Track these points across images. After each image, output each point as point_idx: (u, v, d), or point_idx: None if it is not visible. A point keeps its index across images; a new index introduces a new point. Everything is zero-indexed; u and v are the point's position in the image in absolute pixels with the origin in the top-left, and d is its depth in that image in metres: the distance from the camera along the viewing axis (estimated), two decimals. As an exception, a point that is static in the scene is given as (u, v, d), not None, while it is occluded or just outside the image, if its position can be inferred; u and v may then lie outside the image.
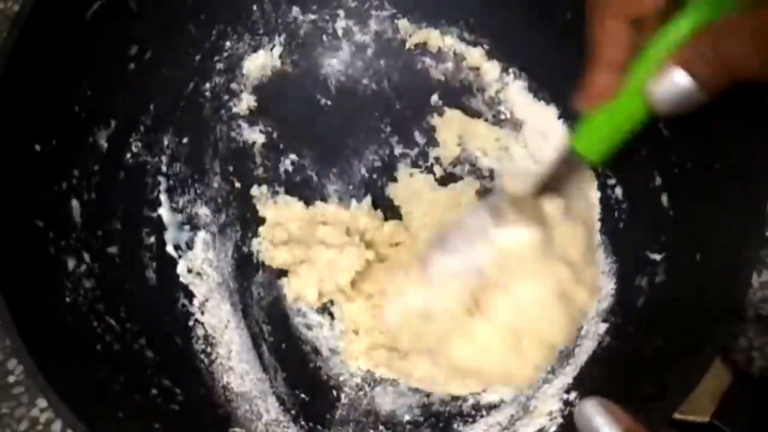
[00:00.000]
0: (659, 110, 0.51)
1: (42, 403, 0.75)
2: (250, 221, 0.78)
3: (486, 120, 0.80)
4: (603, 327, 0.68)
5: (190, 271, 0.74)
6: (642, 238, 0.69)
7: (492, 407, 0.70)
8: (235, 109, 0.79)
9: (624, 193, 0.72)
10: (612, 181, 0.73)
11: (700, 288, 0.61)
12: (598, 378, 0.66)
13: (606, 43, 0.53)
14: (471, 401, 0.70)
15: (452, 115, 0.80)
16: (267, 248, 0.76)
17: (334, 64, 0.81)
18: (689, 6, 0.50)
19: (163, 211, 0.74)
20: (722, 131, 0.61)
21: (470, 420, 0.69)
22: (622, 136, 0.57)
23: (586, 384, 0.66)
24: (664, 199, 0.68)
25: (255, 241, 0.77)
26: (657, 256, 0.67)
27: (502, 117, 0.80)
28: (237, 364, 0.71)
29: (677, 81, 0.49)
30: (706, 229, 0.63)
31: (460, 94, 0.81)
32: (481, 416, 0.69)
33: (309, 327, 0.74)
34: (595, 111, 0.56)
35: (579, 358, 0.68)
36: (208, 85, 0.77)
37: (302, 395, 0.71)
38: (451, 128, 0.80)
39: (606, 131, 0.57)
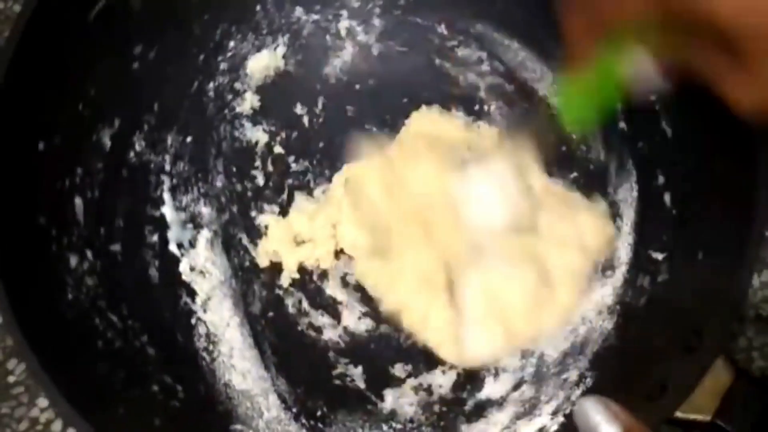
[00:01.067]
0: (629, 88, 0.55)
1: (42, 403, 0.75)
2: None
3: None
4: (605, 327, 0.68)
5: (192, 269, 0.74)
6: (644, 237, 0.69)
7: (494, 404, 0.69)
8: (238, 109, 0.80)
9: (628, 193, 0.72)
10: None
11: (702, 287, 0.61)
12: (600, 377, 0.66)
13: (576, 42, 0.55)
14: (473, 401, 0.70)
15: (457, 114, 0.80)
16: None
17: (337, 65, 0.82)
18: None
19: (166, 210, 0.75)
20: (725, 129, 0.61)
21: (473, 418, 0.69)
22: (596, 111, 0.60)
23: (588, 383, 0.66)
24: (667, 198, 0.68)
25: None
26: (659, 256, 0.67)
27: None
28: (238, 362, 0.71)
29: (647, 68, 0.53)
30: (708, 228, 0.63)
31: (466, 95, 0.81)
32: (483, 416, 0.69)
33: (311, 326, 0.74)
34: (572, 87, 0.59)
35: (582, 357, 0.68)
36: (211, 84, 0.78)
37: (303, 393, 0.71)
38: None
39: (582, 105, 0.61)
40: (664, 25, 0.49)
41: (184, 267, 0.74)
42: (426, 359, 0.72)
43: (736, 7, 0.44)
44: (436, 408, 0.70)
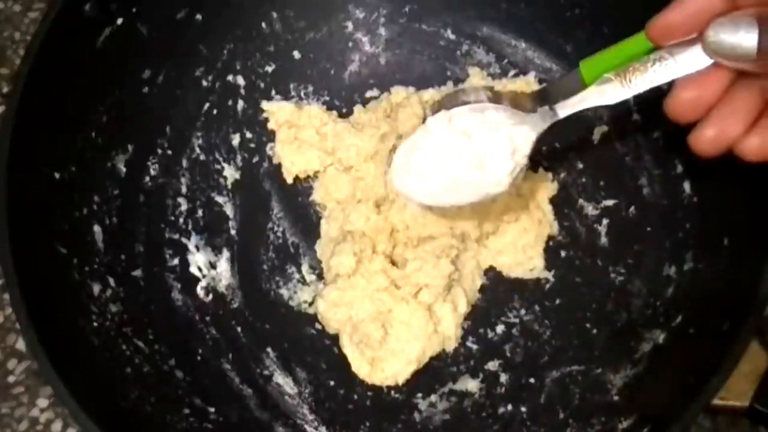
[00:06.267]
0: (710, 49, 0.48)
1: (42, 403, 0.75)
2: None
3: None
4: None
5: (214, 289, 0.74)
6: (667, 226, 0.68)
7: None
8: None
9: (647, 183, 0.72)
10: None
11: (730, 272, 0.60)
12: (635, 371, 0.65)
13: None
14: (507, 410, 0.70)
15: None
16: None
17: (346, 77, 0.82)
18: None
19: (185, 233, 0.74)
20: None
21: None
22: None
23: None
24: (687, 186, 0.67)
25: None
26: (683, 244, 0.66)
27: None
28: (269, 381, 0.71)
29: (746, 30, 0.46)
30: (731, 213, 0.62)
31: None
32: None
33: (335, 342, 0.73)
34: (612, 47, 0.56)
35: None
36: (222, 104, 0.78)
37: (335, 407, 0.70)
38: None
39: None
40: None
41: (205, 288, 0.74)
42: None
43: None
44: (469, 421, 0.70)
